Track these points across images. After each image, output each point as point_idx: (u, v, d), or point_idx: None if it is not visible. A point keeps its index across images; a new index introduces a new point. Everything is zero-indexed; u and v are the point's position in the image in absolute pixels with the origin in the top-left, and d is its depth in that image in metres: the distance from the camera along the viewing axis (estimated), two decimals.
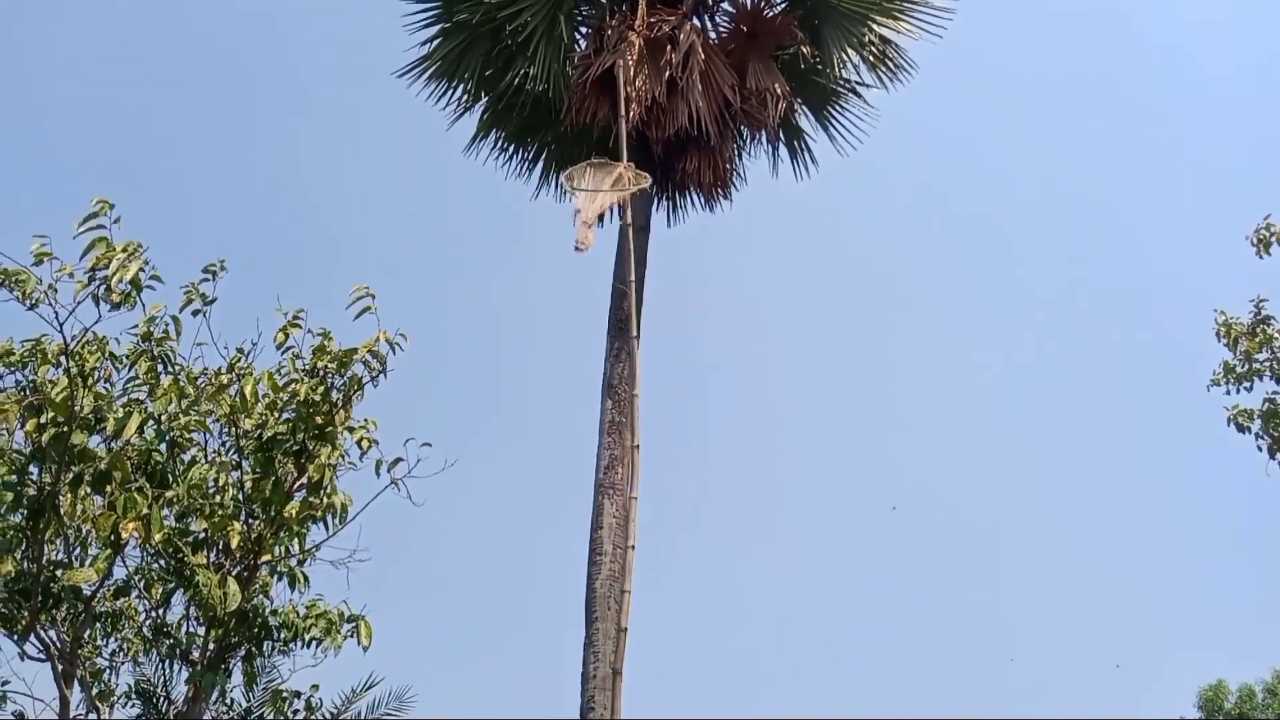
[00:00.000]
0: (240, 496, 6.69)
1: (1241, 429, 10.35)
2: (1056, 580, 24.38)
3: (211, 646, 6.88)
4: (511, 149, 10.44)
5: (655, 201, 9.52)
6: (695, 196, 10.21)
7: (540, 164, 10.54)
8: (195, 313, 6.35)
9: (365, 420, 6.87)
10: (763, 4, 9.66)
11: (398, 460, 6.65)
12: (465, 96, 10.01)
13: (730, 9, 9.90)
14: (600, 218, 10.25)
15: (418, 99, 9.88)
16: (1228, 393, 10.43)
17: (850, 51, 9.85)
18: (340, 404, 6.55)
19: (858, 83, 10.11)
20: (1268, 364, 10.33)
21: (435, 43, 9.74)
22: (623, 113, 8.48)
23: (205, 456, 6.75)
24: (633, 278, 7.75)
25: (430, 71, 9.84)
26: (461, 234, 26.45)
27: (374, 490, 6.76)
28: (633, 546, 7.11)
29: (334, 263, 22.71)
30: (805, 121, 10.39)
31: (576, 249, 7.87)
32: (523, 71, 9.49)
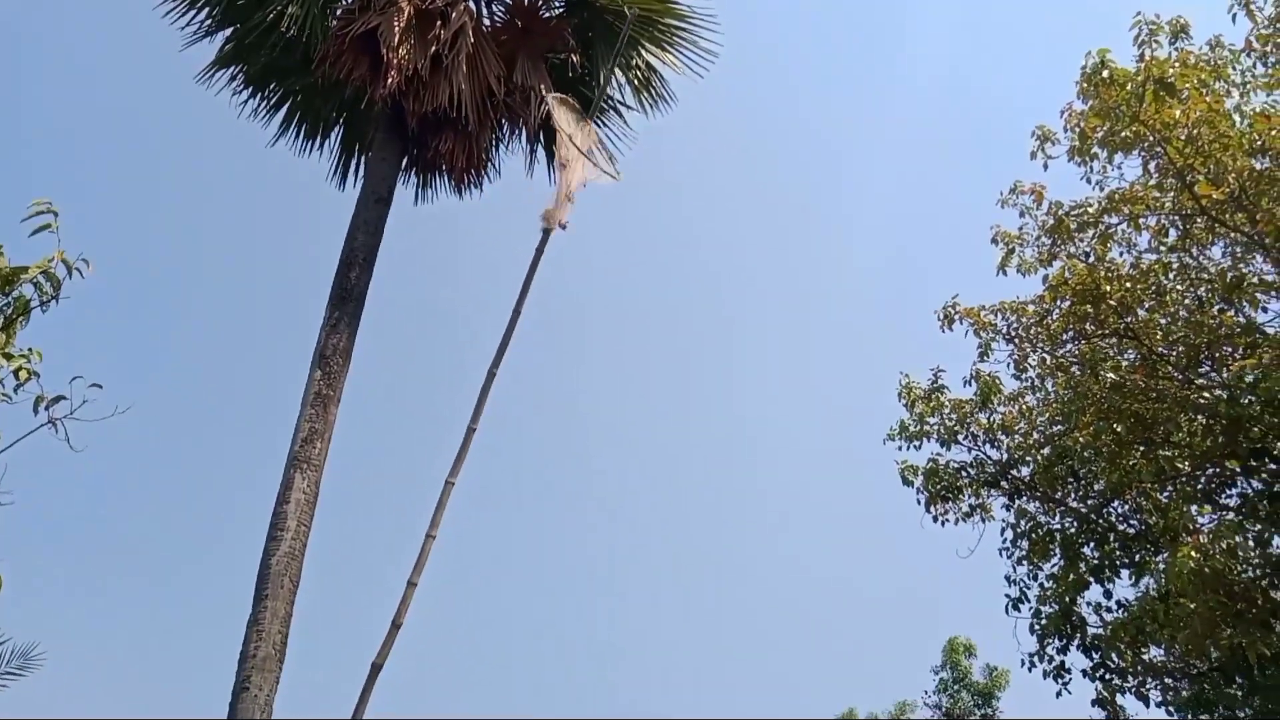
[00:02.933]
0: None
1: (907, 482, 11.46)
2: (753, 594, 26.03)
3: None
4: (252, 89, 9.74)
5: (403, 176, 9.20)
6: (446, 179, 10.00)
7: (283, 111, 9.90)
8: None
9: (29, 349, 6.05)
10: (540, 3, 9.66)
11: (59, 398, 5.89)
12: (209, 21, 9.22)
13: (507, 1, 9.82)
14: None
15: (150, 13, 8.99)
16: (899, 448, 11.51)
17: (617, 71, 10.04)
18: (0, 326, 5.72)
19: (620, 103, 10.33)
20: (936, 427, 11.50)
21: None
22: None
23: None
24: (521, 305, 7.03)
25: None
26: (186, 169, 24.27)
27: (27, 428, 5.95)
28: (433, 536, 6.61)
29: (28, 179, 20.03)
30: None
31: (562, 227, 7.16)
32: (278, 10, 8.88)
